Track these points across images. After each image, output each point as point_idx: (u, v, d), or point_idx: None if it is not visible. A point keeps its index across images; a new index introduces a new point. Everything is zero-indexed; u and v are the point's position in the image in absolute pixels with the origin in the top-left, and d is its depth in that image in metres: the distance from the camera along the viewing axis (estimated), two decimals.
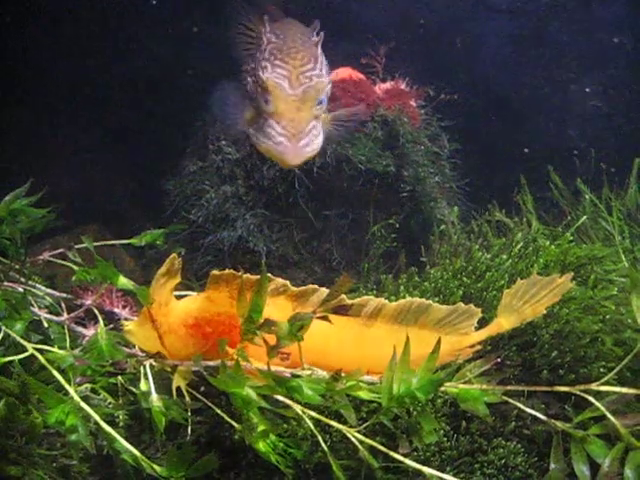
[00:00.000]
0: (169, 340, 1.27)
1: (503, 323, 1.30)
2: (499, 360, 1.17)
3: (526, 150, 2.25)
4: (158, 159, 2.24)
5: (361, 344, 1.30)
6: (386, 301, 1.30)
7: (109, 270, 1.33)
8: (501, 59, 2.46)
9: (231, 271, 1.24)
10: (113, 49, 2.36)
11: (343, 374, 1.15)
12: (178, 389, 1.33)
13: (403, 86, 2.23)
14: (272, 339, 1.16)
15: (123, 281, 1.34)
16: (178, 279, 1.27)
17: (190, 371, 1.31)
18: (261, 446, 1.23)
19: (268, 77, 1.35)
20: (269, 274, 1.18)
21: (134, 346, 1.38)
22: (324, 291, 1.29)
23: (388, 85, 2.23)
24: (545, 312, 1.30)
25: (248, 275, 1.23)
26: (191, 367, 1.30)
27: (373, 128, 2.09)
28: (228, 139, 2.10)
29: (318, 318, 1.16)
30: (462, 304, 1.31)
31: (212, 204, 2.09)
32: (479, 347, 1.33)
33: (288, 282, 1.27)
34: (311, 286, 1.28)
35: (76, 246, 1.70)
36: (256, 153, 1.81)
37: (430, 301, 1.30)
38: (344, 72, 2.24)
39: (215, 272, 1.25)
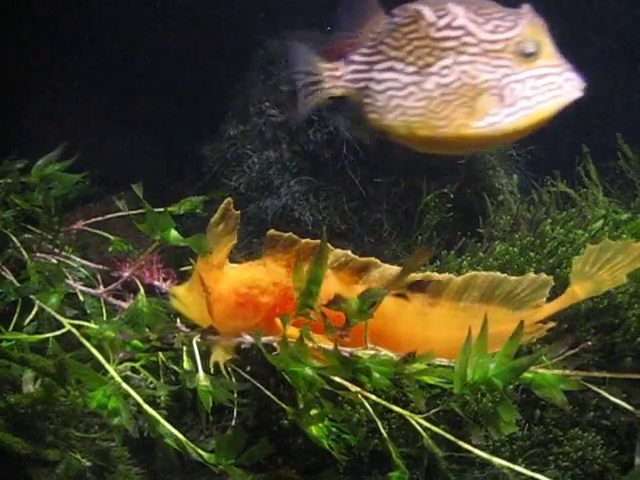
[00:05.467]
0: (217, 309, 1.19)
1: (578, 292, 1.17)
2: (589, 343, 1.06)
3: None
4: (195, 122, 2.14)
5: (423, 324, 1.21)
6: (451, 276, 1.20)
7: (163, 219, 1.23)
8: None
9: (290, 234, 1.16)
10: (147, 8, 2.25)
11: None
12: (218, 368, 1.24)
13: None
14: (333, 315, 1.06)
15: (175, 234, 1.24)
16: (234, 239, 1.18)
17: (233, 347, 1.23)
18: (314, 430, 1.15)
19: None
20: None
21: (176, 320, 1.31)
22: (387, 267, 1.19)
23: None
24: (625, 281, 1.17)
25: (307, 240, 1.14)
26: (234, 343, 1.21)
27: None
28: (271, 101, 2.00)
29: (394, 296, 1.06)
30: (531, 274, 1.21)
31: (254, 170, 1.99)
32: (553, 324, 1.22)
33: (349, 251, 1.17)
34: (373, 259, 1.19)
35: (109, 215, 1.63)
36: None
37: (496, 272, 1.19)
38: None
39: (272, 232, 1.17)
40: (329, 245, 1.14)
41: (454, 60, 1.07)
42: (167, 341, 1.19)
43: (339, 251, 1.18)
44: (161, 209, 1.56)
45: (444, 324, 1.19)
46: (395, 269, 1.19)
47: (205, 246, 1.18)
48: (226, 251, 1.19)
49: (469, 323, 1.01)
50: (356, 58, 1.19)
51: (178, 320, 1.34)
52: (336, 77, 1.19)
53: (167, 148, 2.24)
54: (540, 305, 1.20)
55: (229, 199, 1.16)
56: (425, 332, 1.20)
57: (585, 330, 1.33)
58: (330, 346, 1.06)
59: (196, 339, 1.19)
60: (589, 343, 1.06)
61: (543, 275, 1.20)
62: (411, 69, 1.10)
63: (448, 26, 1.06)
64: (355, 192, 1.99)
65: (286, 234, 1.16)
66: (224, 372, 1.22)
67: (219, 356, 1.21)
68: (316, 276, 1.07)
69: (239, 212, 1.17)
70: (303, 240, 1.16)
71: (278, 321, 1.11)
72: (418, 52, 1.10)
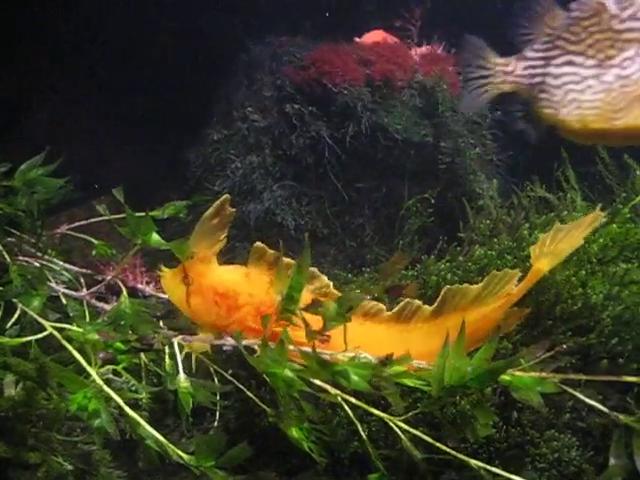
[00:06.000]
0: (194, 301, 1.21)
1: (540, 267, 1.22)
2: (564, 346, 1.07)
3: None
4: (179, 127, 2.14)
5: (404, 344, 1.21)
6: (422, 305, 1.22)
7: (144, 223, 1.23)
8: None
9: (275, 253, 1.17)
10: (131, 9, 2.24)
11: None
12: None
13: (440, 51, 2.13)
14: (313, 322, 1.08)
15: (156, 238, 1.26)
16: (224, 235, 1.19)
17: (205, 346, 1.24)
18: (294, 433, 1.15)
19: None
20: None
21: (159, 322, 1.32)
22: (369, 302, 1.21)
23: (424, 49, 2.13)
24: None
25: (290, 260, 1.15)
26: (208, 342, 1.22)
27: (410, 95, 1.98)
28: (254, 106, 2.01)
29: (372, 299, 1.08)
30: (496, 272, 1.23)
31: (237, 175, 2.00)
32: (528, 310, 1.26)
33: (331, 283, 1.20)
34: (355, 293, 1.20)
35: (92, 220, 1.63)
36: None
37: (464, 285, 1.22)
38: (377, 35, 2.14)
39: (259, 244, 1.18)
40: (316, 270, 1.16)
41: (636, 51, 1.08)
42: (147, 342, 1.19)
43: (324, 280, 1.19)
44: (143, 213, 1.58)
45: (425, 340, 1.21)
46: (373, 304, 1.21)
47: (186, 251, 1.18)
48: (214, 247, 1.20)
49: (447, 332, 1.03)
50: (530, 54, 1.19)
51: (161, 322, 1.35)
52: (507, 73, 1.19)
53: (151, 153, 2.24)
54: (510, 292, 1.23)
55: (227, 196, 1.17)
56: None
57: (562, 332, 1.34)
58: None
59: (177, 340, 1.20)
60: (564, 346, 1.08)
61: (507, 270, 1.23)
62: (591, 62, 1.11)
63: (633, 17, 1.06)
64: (337, 197, 2.01)
65: (273, 251, 1.17)
66: (193, 363, 1.25)
67: (195, 347, 1.22)
68: (298, 282, 1.09)
69: (234, 210, 1.17)
70: (286, 260, 1.17)
71: (254, 324, 1.15)
72: (599, 45, 1.10)
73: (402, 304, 1.21)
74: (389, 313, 1.21)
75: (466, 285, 1.22)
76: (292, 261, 1.14)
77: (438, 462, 1.19)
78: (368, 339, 1.17)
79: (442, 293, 1.21)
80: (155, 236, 1.26)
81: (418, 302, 1.22)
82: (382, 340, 1.21)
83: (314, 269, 1.15)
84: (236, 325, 1.19)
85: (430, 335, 1.20)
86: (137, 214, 1.46)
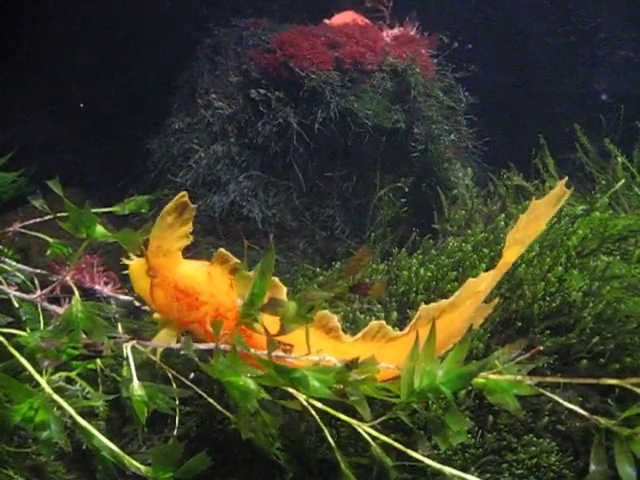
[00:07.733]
0: (157, 293, 1.17)
1: (508, 257, 1.17)
2: (541, 348, 1.01)
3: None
4: (140, 115, 2.07)
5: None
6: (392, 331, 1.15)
7: (86, 217, 1.17)
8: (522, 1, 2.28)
9: (238, 262, 1.11)
10: None
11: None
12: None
13: (413, 32, 2.06)
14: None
15: (101, 231, 1.19)
16: (189, 228, 1.15)
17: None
18: (259, 440, 1.10)
19: None
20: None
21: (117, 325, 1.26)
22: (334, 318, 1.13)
23: (397, 31, 2.07)
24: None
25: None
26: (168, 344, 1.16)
27: (381, 79, 1.91)
28: (218, 92, 1.93)
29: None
30: (472, 278, 1.16)
31: (201, 165, 1.92)
32: (497, 300, 1.20)
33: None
34: (323, 312, 1.14)
35: (47, 217, 1.55)
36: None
37: (431, 304, 1.14)
38: (347, 16, 2.08)
39: (222, 252, 1.12)
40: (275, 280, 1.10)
41: None
42: (94, 349, 1.12)
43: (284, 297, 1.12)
44: (106, 209, 1.51)
45: (398, 354, 1.14)
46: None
47: (135, 242, 1.14)
48: (178, 242, 1.16)
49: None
50: None
51: (119, 325, 1.29)
52: None
53: (111, 143, 2.17)
54: (479, 288, 1.16)
55: (184, 192, 1.14)
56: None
57: (540, 331, 1.28)
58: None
59: (129, 345, 1.13)
60: (541, 348, 1.02)
61: (483, 275, 1.17)
62: None
63: None
64: (306, 187, 1.94)
65: (235, 260, 1.12)
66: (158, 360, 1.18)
67: (164, 338, 1.18)
68: (260, 288, 1.03)
69: (195, 206, 1.15)
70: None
71: (210, 328, 1.07)
72: None
73: (370, 326, 1.15)
74: (359, 334, 1.14)
75: (441, 301, 1.15)
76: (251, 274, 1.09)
77: (411, 469, 1.14)
78: (349, 350, 1.11)
79: (418, 313, 1.14)
80: (100, 228, 1.20)
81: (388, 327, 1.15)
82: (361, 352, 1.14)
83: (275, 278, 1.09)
84: (197, 324, 1.15)
85: (404, 349, 1.14)
86: (99, 210, 1.40)
